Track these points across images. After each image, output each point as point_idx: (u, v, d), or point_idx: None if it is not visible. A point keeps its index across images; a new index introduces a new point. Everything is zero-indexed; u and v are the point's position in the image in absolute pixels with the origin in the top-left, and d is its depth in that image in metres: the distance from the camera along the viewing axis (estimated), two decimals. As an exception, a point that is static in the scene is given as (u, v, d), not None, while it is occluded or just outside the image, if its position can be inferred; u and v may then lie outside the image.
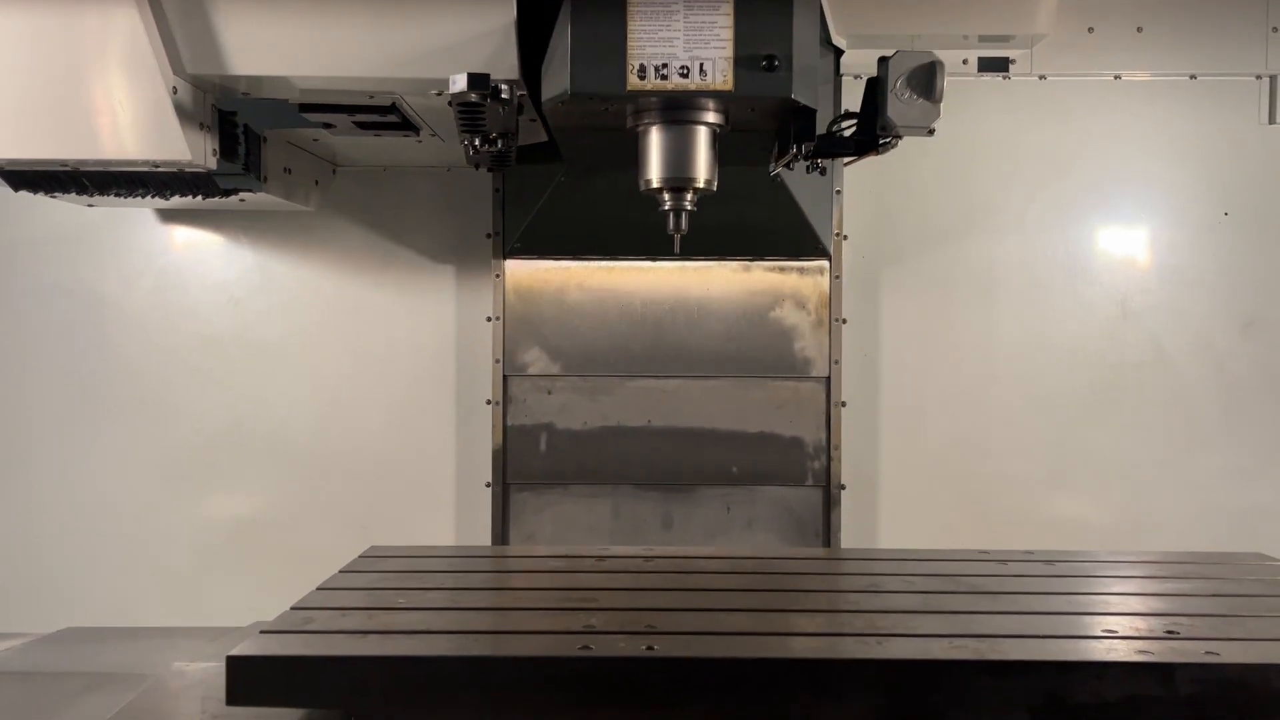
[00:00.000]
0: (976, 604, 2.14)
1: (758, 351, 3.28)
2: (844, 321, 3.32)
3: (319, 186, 3.34)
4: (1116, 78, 3.46)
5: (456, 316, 3.50)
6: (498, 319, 3.33)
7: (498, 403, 3.33)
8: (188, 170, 2.57)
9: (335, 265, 3.51)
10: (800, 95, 2.13)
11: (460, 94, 2.14)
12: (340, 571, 2.42)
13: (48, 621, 2.88)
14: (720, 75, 2.10)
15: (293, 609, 2.06)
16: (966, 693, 1.74)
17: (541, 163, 2.92)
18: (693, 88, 2.10)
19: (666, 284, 3.28)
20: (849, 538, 3.38)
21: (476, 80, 2.11)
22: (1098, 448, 3.54)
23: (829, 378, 3.29)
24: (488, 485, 3.38)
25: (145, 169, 2.55)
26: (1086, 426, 3.53)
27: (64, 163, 2.50)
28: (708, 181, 2.30)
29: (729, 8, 2.08)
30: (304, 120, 2.66)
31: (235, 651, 1.78)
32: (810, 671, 1.76)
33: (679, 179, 2.28)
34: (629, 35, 2.09)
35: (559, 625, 1.98)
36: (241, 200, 3.00)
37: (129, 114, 2.40)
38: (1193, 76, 3.46)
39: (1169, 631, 1.92)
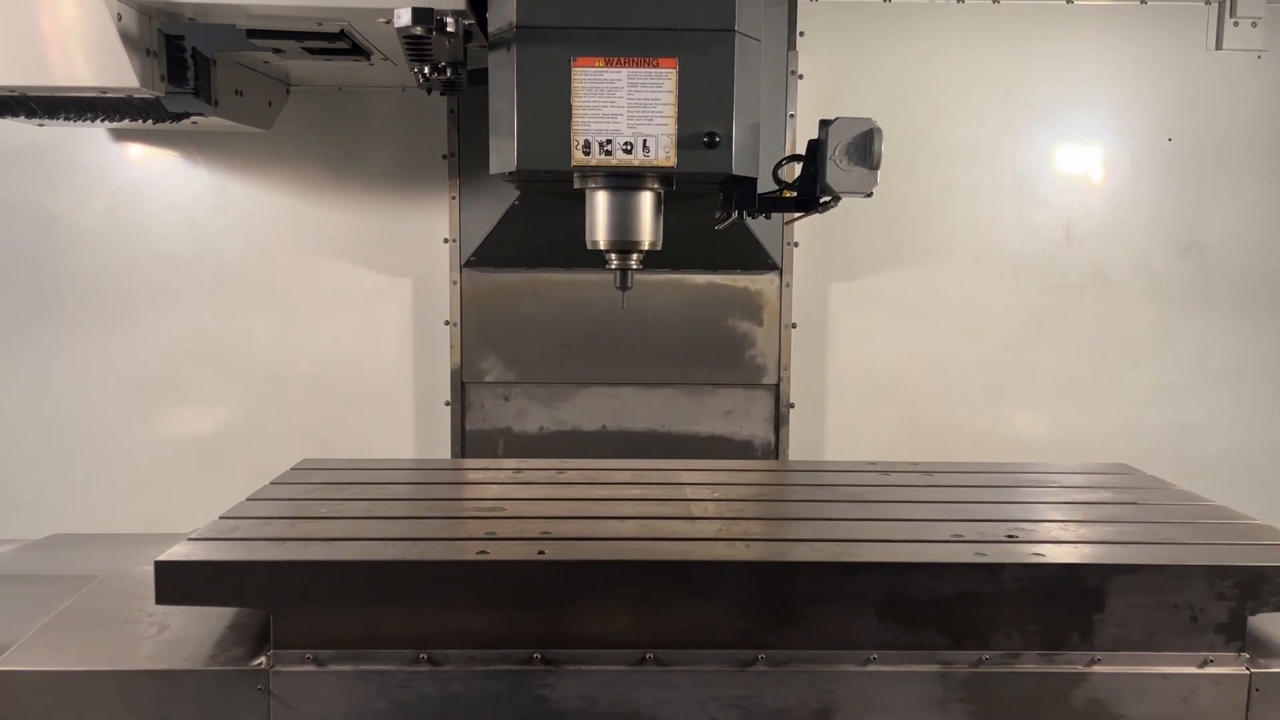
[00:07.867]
0: (848, 511, 2.30)
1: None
2: (796, 245, 3.39)
3: (273, 108, 3.34)
4: (1069, 1, 3.49)
5: (413, 235, 3.54)
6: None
7: (456, 324, 3.40)
8: (135, 96, 2.57)
9: (292, 185, 3.53)
10: (741, 170, 2.18)
11: (404, 27, 2.15)
12: (271, 483, 2.56)
13: (22, 531, 2.98)
14: (663, 152, 2.13)
15: (221, 518, 2.20)
16: (820, 590, 1.93)
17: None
18: (636, 163, 2.13)
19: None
20: (796, 452, 3.51)
21: (420, 15, 2.12)
22: (1035, 366, 3.66)
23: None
24: (446, 404, 3.47)
25: (93, 94, 2.55)
26: (1025, 346, 3.65)
27: (10, 89, 2.51)
28: (652, 243, 2.35)
29: (672, 85, 2.11)
30: (252, 45, 2.66)
31: (163, 557, 1.92)
32: (682, 572, 1.94)
33: (624, 242, 2.34)
34: (574, 111, 2.11)
35: (463, 532, 2.14)
36: (194, 123, 3.00)
37: (74, 41, 2.41)
38: (1143, 1, 3.49)
39: (1009, 536, 2.10)
